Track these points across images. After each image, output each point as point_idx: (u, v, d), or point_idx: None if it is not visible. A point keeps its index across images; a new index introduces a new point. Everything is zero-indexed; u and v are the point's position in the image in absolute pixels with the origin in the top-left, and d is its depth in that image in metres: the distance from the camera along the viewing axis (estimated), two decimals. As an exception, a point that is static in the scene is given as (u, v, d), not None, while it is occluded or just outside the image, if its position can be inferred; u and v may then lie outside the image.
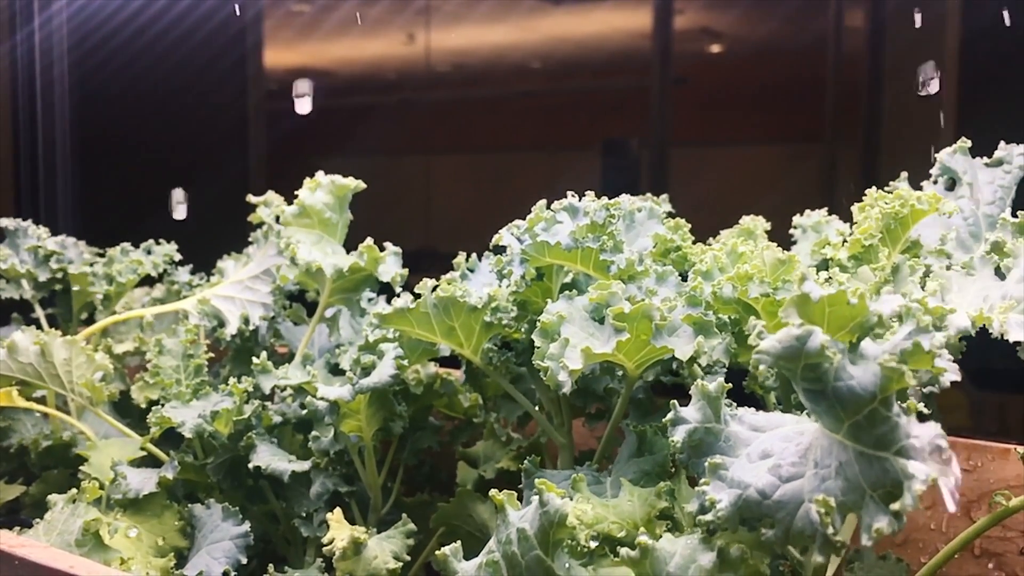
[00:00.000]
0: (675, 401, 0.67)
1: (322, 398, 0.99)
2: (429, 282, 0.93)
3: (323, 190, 1.16)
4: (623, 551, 0.61)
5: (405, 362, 1.00)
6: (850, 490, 0.55)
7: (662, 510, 0.71)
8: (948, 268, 0.88)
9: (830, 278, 0.81)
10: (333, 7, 1.84)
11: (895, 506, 0.53)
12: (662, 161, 1.53)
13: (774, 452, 0.61)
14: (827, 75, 1.38)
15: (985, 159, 1.04)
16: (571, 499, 0.70)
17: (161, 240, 1.41)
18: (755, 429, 0.65)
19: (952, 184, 1.05)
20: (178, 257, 1.40)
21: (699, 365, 0.90)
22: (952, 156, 1.04)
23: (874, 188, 0.93)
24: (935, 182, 1.05)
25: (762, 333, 0.57)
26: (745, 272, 0.76)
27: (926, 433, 0.54)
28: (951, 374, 0.61)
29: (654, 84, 1.53)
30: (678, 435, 0.65)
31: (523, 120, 1.68)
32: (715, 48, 1.50)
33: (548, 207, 0.92)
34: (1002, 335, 0.72)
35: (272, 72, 1.94)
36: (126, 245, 1.39)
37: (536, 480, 0.65)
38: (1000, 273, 0.85)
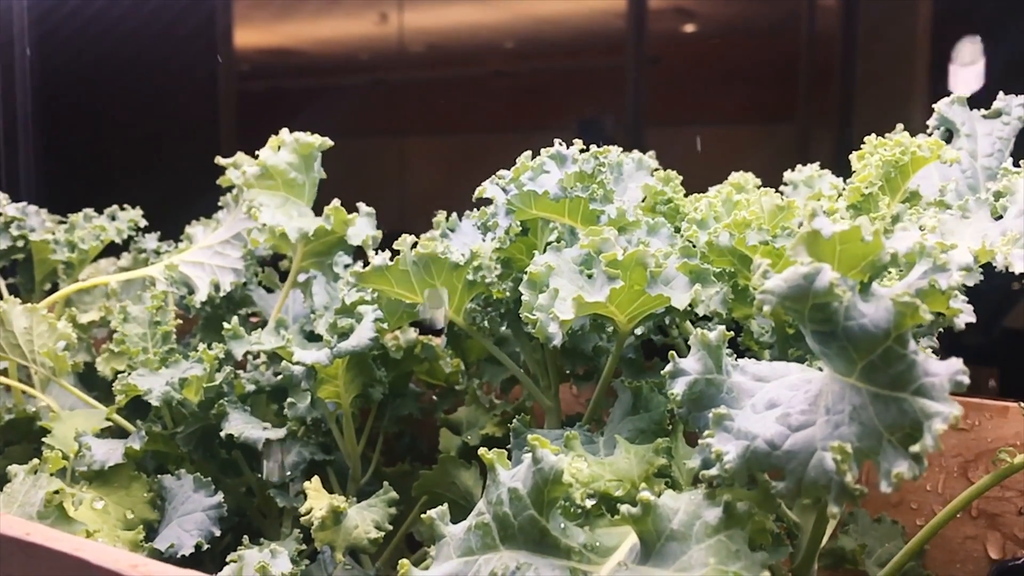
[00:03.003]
0: (673, 352, 0.63)
1: (298, 362, 0.94)
2: (409, 238, 0.89)
3: (287, 149, 1.11)
4: (624, 508, 0.57)
5: (385, 325, 0.95)
6: (866, 435, 0.52)
7: (660, 467, 0.68)
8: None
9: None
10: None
11: (915, 448, 0.50)
12: (637, 140, 1.52)
13: (781, 401, 0.58)
14: (800, 54, 1.37)
15: (983, 110, 1.01)
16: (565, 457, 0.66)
17: (126, 206, 1.36)
18: (759, 379, 0.61)
19: (949, 136, 1.02)
20: (143, 223, 1.34)
21: (695, 317, 0.86)
22: (950, 107, 1.01)
23: (873, 136, 0.90)
24: (930, 134, 1.02)
25: (767, 272, 0.53)
26: (743, 219, 0.72)
27: (945, 370, 0.51)
28: (966, 315, 0.58)
29: (629, 64, 1.52)
30: (678, 387, 0.61)
31: (497, 100, 1.67)
32: (688, 28, 1.48)
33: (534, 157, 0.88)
34: (1006, 268, 0.69)
35: (243, 52, 1.90)
36: (88, 211, 1.33)
37: (529, 437, 0.61)
38: (997, 216, 0.82)
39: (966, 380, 0.50)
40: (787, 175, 1.08)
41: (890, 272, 0.65)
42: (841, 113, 1.38)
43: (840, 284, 0.51)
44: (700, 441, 0.58)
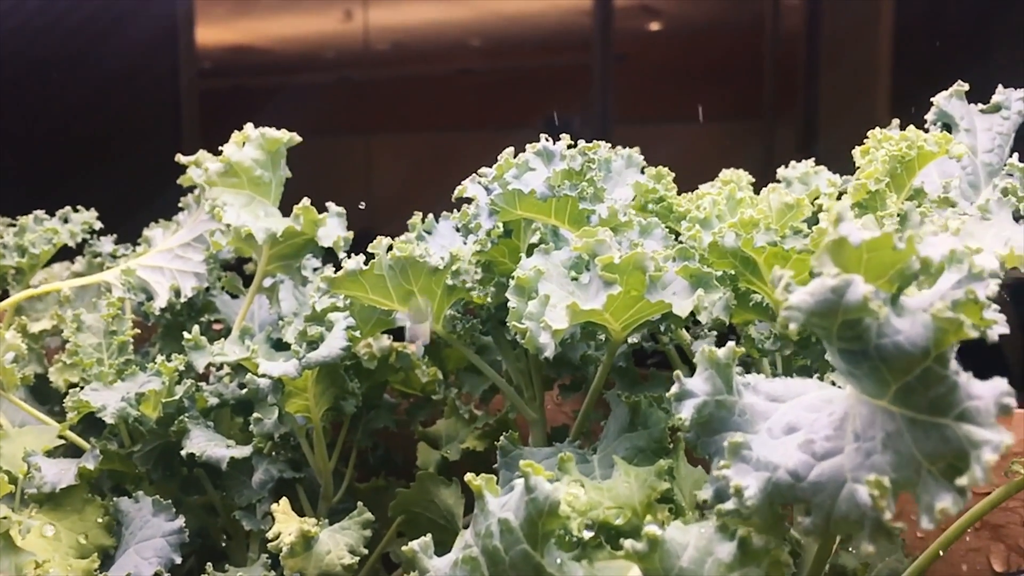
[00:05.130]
0: (678, 372, 0.57)
1: (264, 375, 0.87)
2: (384, 240, 0.83)
3: (252, 145, 1.03)
4: (627, 544, 0.52)
5: (357, 333, 0.89)
6: (902, 465, 0.47)
7: (663, 492, 0.62)
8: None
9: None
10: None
11: (961, 481, 0.45)
12: (604, 137, 1.50)
13: (801, 425, 0.52)
14: (765, 53, 1.37)
15: (981, 105, 0.97)
16: (559, 481, 0.60)
17: (79, 207, 1.28)
18: (773, 399, 0.56)
19: (947, 131, 0.97)
20: (98, 225, 1.26)
21: (689, 322, 0.81)
22: (948, 101, 0.97)
23: (878, 129, 0.85)
24: (927, 130, 0.98)
25: (790, 285, 0.48)
26: (750, 218, 0.66)
27: (989, 392, 0.45)
28: (1000, 327, 0.53)
29: (595, 62, 1.51)
30: (685, 411, 0.55)
31: (464, 99, 1.65)
32: (654, 26, 1.47)
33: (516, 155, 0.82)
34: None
35: (205, 49, 1.85)
36: (39, 213, 1.25)
37: (521, 462, 0.56)
38: (1018, 217, 0.78)
39: (1013, 403, 0.45)
40: (781, 171, 1.03)
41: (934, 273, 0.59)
42: (806, 110, 1.37)
43: (874, 298, 0.45)
44: (714, 472, 0.53)
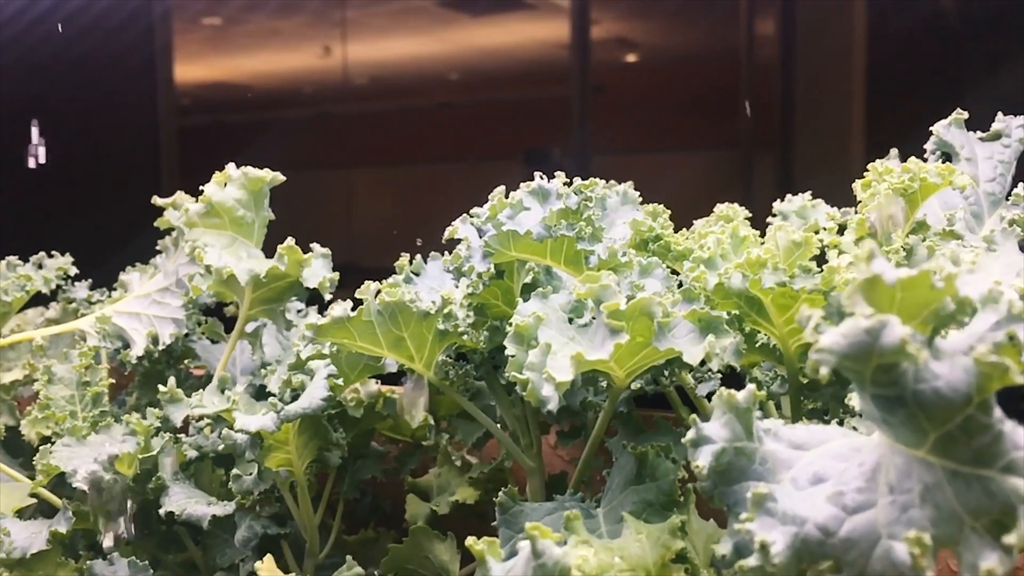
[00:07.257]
0: (695, 416, 0.54)
1: (241, 430, 0.83)
2: (372, 286, 0.79)
3: (234, 184, 1.00)
4: (647, 612, 0.48)
5: (339, 381, 0.85)
6: (943, 520, 0.43)
7: (678, 551, 0.58)
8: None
9: (851, 264, 0.69)
10: (246, 20, 1.76)
11: (1008, 539, 0.41)
12: (584, 169, 1.53)
13: (829, 475, 0.49)
14: (741, 83, 1.37)
15: (980, 133, 0.95)
16: (566, 543, 0.56)
17: (54, 252, 1.23)
18: (796, 447, 0.52)
19: (947, 160, 0.95)
20: (74, 271, 1.22)
21: (696, 369, 0.78)
22: (948, 129, 0.94)
23: (878, 162, 0.83)
24: (926, 160, 0.96)
25: (820, 326, 0.45)
26: (757, 258, 0.63)
27: (1036, 443, 0.42)
28: (1036, 368, 0.50)
29: (574, 93, 1.51)
30: (702, 458, 0.52)
31: (444, 132, 1.65)
32: (631, 57, 1.50)
33: (507, 195, 0.79)
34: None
35: (183, 86, 1.83)
36: (12, 259, 1.21)
37: (527, 525, 0.52)
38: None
39: (1060, 453, 0.42)
40: (777, 206, 1.00)
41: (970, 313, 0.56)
42: (783, 138, 1.38)
43: (912, 341, 0.42)
44: (736, 525, 0.49)
